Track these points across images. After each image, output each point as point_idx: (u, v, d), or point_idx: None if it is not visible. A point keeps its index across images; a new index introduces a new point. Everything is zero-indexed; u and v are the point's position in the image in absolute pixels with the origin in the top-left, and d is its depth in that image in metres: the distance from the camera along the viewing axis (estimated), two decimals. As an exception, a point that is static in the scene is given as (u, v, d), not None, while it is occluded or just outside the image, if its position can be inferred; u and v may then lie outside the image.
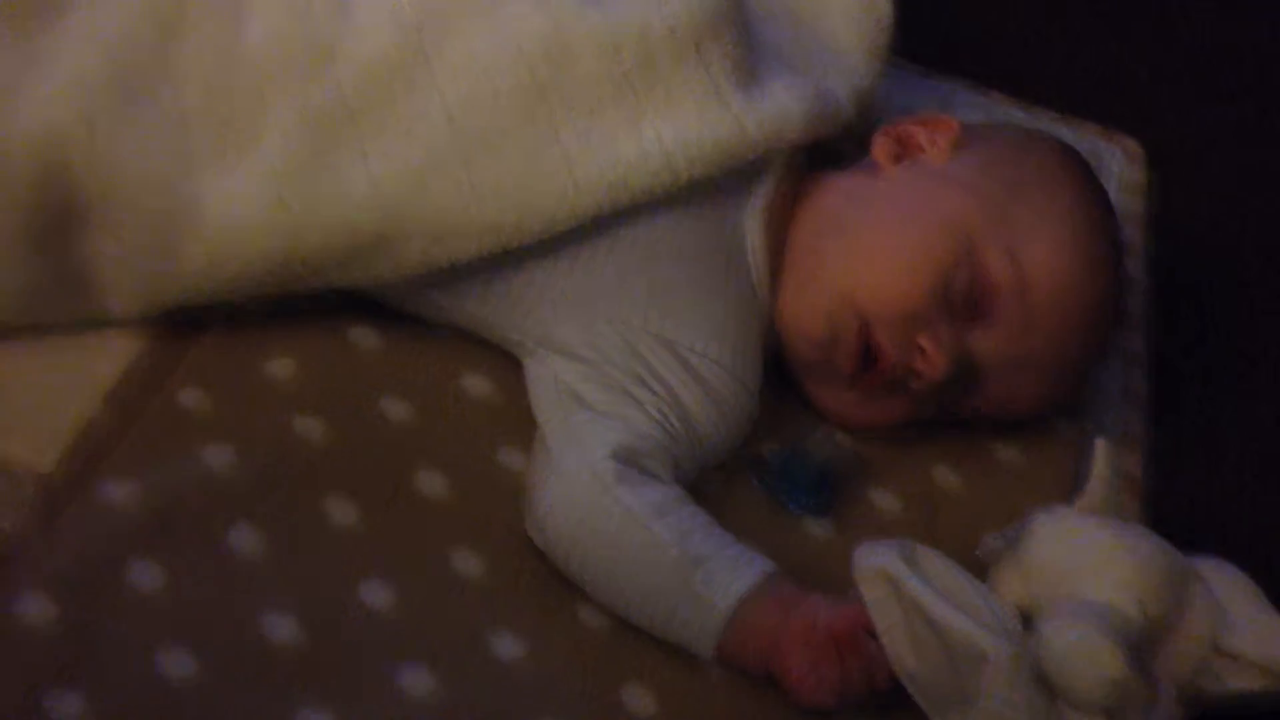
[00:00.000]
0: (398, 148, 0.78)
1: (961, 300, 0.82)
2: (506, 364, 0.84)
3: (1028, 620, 0.72)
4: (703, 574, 0.73)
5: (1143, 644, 0.72)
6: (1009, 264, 0.82)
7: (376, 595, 0.72)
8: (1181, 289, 1.03)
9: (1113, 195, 1.08)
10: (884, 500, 0.85)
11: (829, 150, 0.91)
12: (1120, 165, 1.11)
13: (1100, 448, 0.78)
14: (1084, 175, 0.88)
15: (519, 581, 0.75)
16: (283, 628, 0.69)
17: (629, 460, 0.76)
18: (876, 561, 0.71)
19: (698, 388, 0.81)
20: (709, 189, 0.83)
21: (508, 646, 0.73)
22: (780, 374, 0.87)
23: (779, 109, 0.83)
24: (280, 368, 0.80)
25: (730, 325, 0.83)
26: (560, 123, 0.80)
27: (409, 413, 0.80)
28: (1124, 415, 0.93)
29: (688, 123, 0.81)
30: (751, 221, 0.85)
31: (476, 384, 0.83)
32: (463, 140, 0.78)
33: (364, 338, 0.83)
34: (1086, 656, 0.66)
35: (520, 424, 0.81)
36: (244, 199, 0.76)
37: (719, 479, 0.82)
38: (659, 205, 0.81)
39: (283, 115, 0.77)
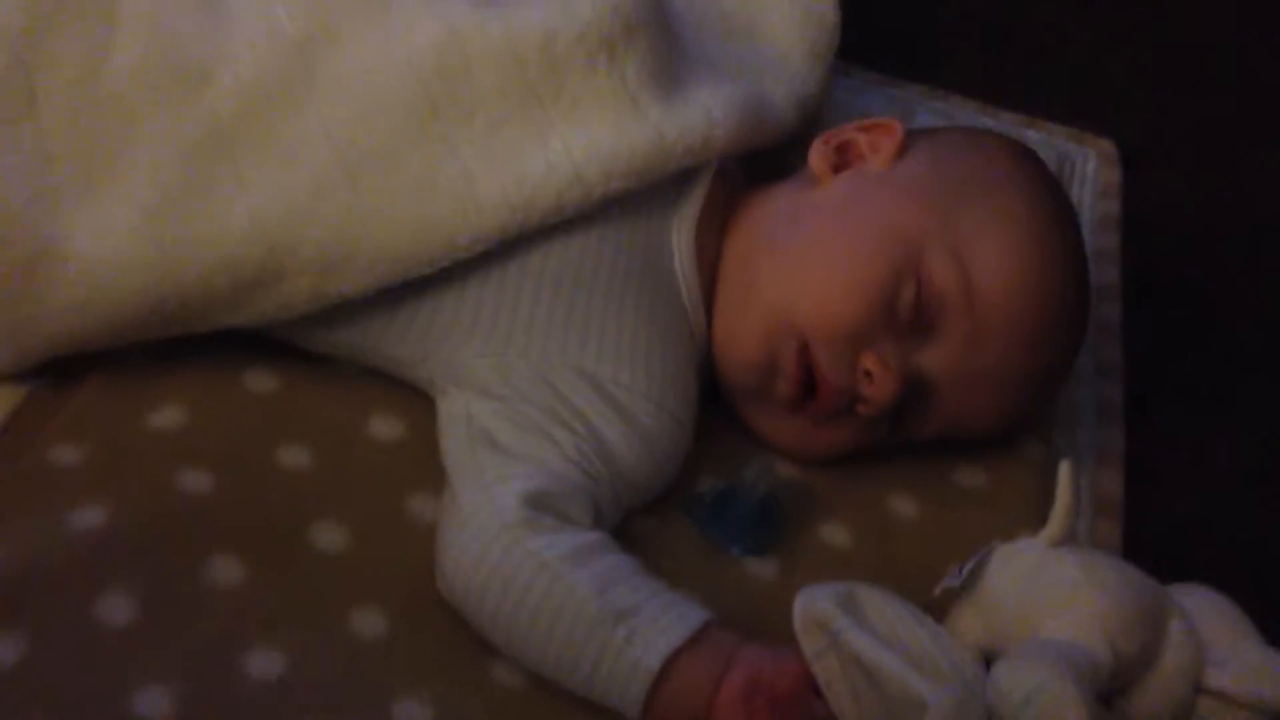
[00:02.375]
0: (278, 175, 0.72)
1: (907, 314, 0.75)
2: (421, 404, 0.77)
3: (991, 663, 0.65)
4: (626, 628, 0.66)
5: (1114, 686, 0.65)
6: (955, 270, 0.75)
7: (266, 664, 0.66)
8: (1157, 292, 0.96)
9: (1086, 199, 1.02)
10: (833, 534, 0.78)
11: (774, 163, 0.85)
12: (1093, 167, 1.05)
13: (1064, 471, 0.70)
14: (1038, 173, 0.81)
15: (426, 640, 0.69)
16: (157, 707, 0.63)
17: (543, 506, 0.70)
18: (812, 610, 0.64)
19: (622, 423, 0.74)
20: (631, 205, 0.77)
21: (415, 712, 0.66)
22: (717, 401, 0.80)
23: (703, 116, 0.77)
24: (166, 417, 0.74)
25: (657, 353, 0.76)
26: (457, 139, 0.74)
27: (308, 460, 0.74)
28: (1098, 431, 0.86)
29: (600, 133, 0.75)
30: (679, 238, 0.79)
31: (387, 427, 0.77)
32: (348, 161, 0.72)
33: (261, 380, 0.77)
34: (1046, 704, 0.59)
35: (434, 469, 0.74)
36: (113, 235, 0.71)
37: (651, 520, 0.76)
38: (575, 224, 0.75)
39: (153, 146, 0.72)
